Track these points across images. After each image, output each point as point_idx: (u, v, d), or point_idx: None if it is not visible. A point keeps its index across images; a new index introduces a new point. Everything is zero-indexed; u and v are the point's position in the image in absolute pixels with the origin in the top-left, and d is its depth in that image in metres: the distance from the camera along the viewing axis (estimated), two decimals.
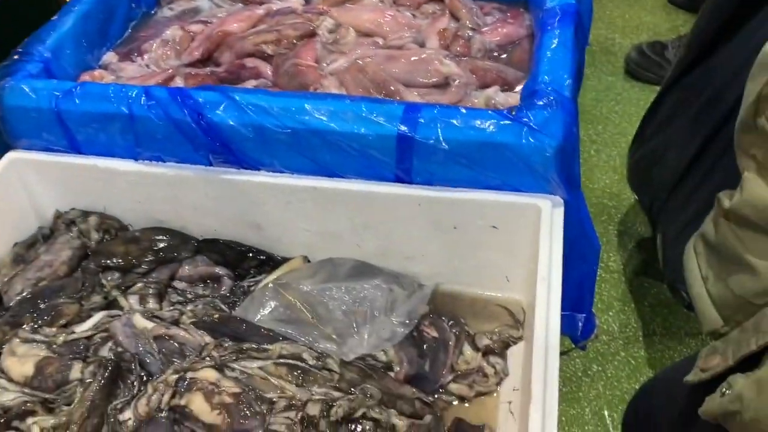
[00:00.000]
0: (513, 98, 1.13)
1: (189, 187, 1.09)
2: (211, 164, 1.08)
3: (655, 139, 1.61)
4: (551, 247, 0.91)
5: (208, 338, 0.98)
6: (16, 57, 1.17)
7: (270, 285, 1.05)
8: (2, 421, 0.89)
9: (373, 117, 0.95)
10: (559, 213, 0.94)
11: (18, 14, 1.52)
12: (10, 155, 1.14)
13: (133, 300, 1.08)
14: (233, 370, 0.95)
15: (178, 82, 1.26)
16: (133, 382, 0.92)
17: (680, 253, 1.50)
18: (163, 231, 1.15)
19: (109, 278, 1.11)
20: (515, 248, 1.01)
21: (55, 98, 1.07)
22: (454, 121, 0.93)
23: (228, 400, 0.90)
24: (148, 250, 1.13)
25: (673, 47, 2.43)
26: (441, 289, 1.13)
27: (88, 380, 0.92)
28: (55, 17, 1.27)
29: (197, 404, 0.90)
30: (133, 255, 1.12)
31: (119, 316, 1.01)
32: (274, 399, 0.92)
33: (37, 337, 0.98)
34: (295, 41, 1.31)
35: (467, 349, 1.03)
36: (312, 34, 1.32)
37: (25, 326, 1.00)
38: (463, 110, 0.95)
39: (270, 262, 1.15)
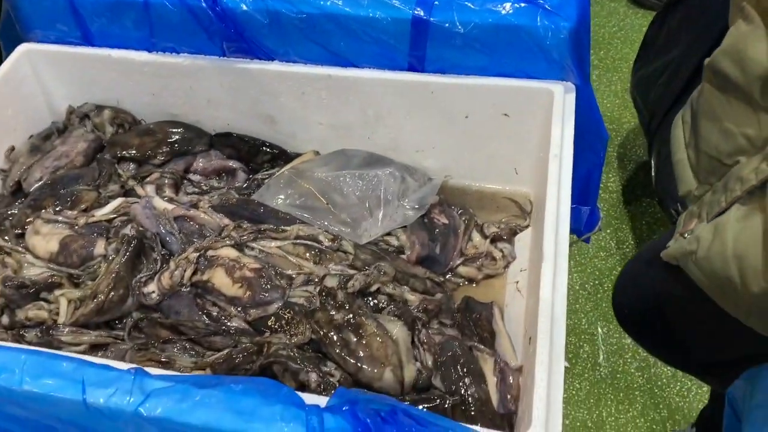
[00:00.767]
0: None
1: (204, 78, 1.10)
2: (225, 55, 1.08)
3: (660, 57, 1.61)
4: (563, 131, 0.93)
5: (226, 220, 1.01)
6: None
7: (285, 173, 1.08)
8: (31, 291, 0.93)
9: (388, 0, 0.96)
10: (571, 98, 0.96)
11: None
12: (23, 47, 1.14)
13: (150, 189, 1.10)
14: (252, 249, 0.98)
15: None
16: (155, 259, 0.95)
17: (671, 171, 1.53)
18: (178, 124, 1.17)
19: (125, 169, 1.13)
20: (526, 137, 1.03)
21: None
22: (470, 4, 0.94)
23: (249, 274, 0.93)
24: (163, 142, 1.14)
25: None
26: (450, 184, 1.15)
27: (111, 256, 0.95)
28: None
29: (219, 278, 0.93)
30: (149, 147, 1.14)
31: (139, 200, 1.04)
32: (293, 275, 0.95)
33: (60, 218, 1.00)
34: None
35: (476, 236, 1.06)
36: None
37: (47, 208, 1.03)
38: None
39: (283, 156, 1.17)
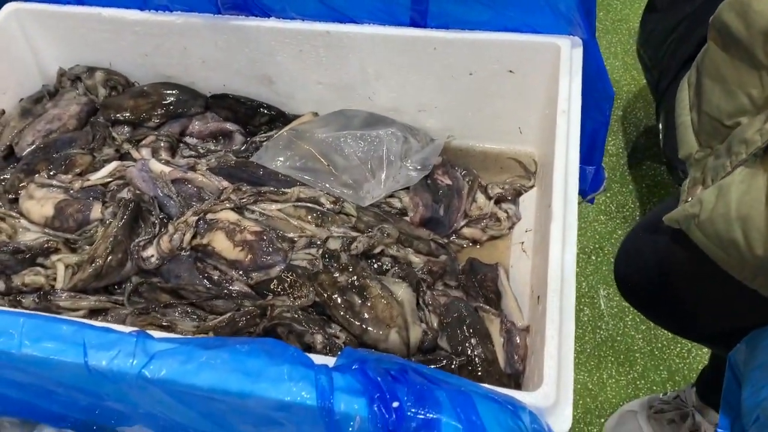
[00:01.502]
0: None
1: (198, 37, 1.06)
2: (220, 12, 1.05)
3: (671, 13, 1.57)
4: (571, 86, 0.90)
5: (225, 183, 0.98)
6: None
7: (284, 134, 1.05)
8: (27, 257, 0.91)
9: None
10: (579, 53, 0.93)
11: None
12: (11, 6, 1.10)
13: (146, 152, 1.07)
14: (252, 212, 0.96)
15: None
16: (153, 222, 0.93)
17: None
18: (172, 86, 1.14)
19: (119, 132, 1.10)
20: (531, 94, 1.01)
21: None
22: None
23: (250, 237, 0.91)
24: (158, 104, 1.12)
25: None
26: (452, 145, 1.13)
27: (109, 220, 0.93)
28: None
29: (219, 242, 0.91)
30: (143, 109, 1.11)
31: (135, 163, 1.01)
32: (295, 238, 0.94)
33: (54, 182, 0.98)
34: None
35: (480, 197, 1.05)
36: None
37: (40, 173, 1.00)
38: None
39: (281, 118, 1.14)
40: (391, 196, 1.01)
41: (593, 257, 1.80)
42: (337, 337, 0.82)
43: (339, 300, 0.85)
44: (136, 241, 0.91)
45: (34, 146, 1.05)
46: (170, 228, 0.92)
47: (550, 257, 0.74)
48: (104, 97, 1.14)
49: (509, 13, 0.94)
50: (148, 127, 1.11)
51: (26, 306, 0.87)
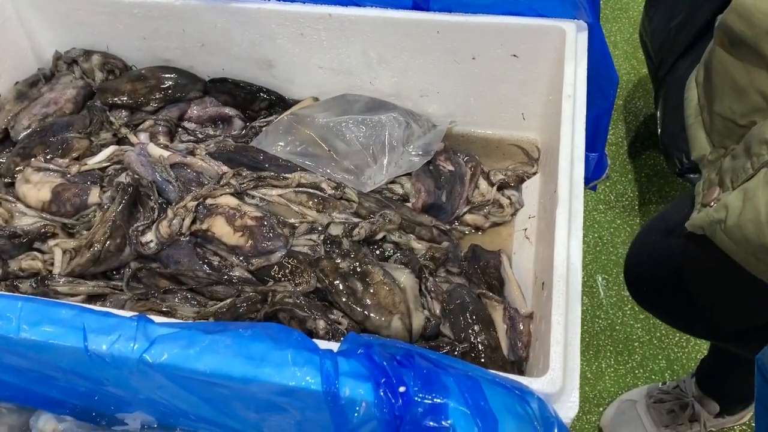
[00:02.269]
0: None
1: (197, 20, 1.05)
2: None
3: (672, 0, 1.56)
4: (576, 71, 0.89)
5: (225, 167, 0.97)
6: None
7: (284, 119, 1.04)
8: (24, 241, 0.89)
9: None
10: (584, 37, 0.92)
11: None
12: None
13: (144, 137, 1.06)
14: (253, 197, 0.95)
15: None
16: (152, 207, 0.92)
17: (678, 120, 1.50)
18: (171, 69, 1.12)
19: (117, 116, 1.09)
20: (535, 79, 1.00)
21: None
22: None
23: (250, 223, 0.90)
24: (156, 88, 1.10)
25: None
26: (454, 130, 1.12)
27: (107, 204, 0.91)
28: None
29: (219, 227, 0.90)
30: (141, 93, 1.09)
31: (133, 147, 1.00)
32: (296, 224, 0.92)
33: (51, 166, 0.96)
34: None
35: (482, 183, 1.04)
36: None
37: (37, 156, 0.98)
38: None
39: (281, 103, 1.13)
40: (393, 182, 1.00)
41: (592, 246, 1.80)
42: (339, 324, 0.81)
43: (341, 286, 0.84)
44: (135, 225, 0.90)
45: (30, 130, 1.04)
46: (169, 213, 0.91)
47: (555, 243, 0.73)
48: (101, 81, 1.12)
49: None
50: (145, 112, 1.09)
51: (23, 291, 0.86)
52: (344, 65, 1.06)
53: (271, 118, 1.11)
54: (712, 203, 0.75)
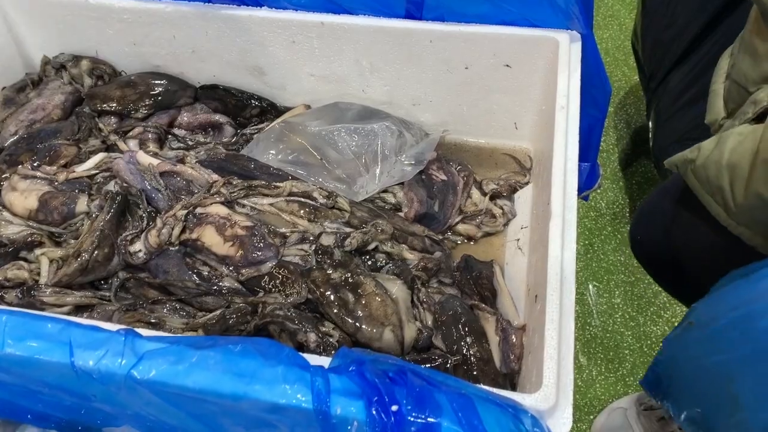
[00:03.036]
0: None
1: (188, 26, 1.04)
2: (211, 0, 1.02)
3: (665, 10, 1.57)
4: (569, 81, 0.89)
5: (215, 176, 0.96)
6: None
7: (275, 127, 1.03)
8: (9, 251, 0.88)
9: None
10: (577, 48, 0.92)
11: None
12: None
13: (133, 144, 1.04)
14: (243, 206, 0.94)
15: None
16: (141, 216, 0.91)
17: (670, 133, 1.51)
18: (161, 76, 1.11)
19: (106, 123, 1.07)
20: (527, 89, 0.99)
21: None
22: None
23: (241, 232, 0.89)
24: (145, 94, 1.09)
25: None
26: (447, 140, 1.12)
27: (95, 213, 0.90)
28: None
29: (209, 237, 0.89)
30: (130, 99, 1.08)
31: (122, 155, 0.98)
32: (287, 233, 0.91)
33: (38, 174, 0.95)
34: None
35: (475, 193, 1.03)
36: None
37: (24, 164, 0.97)
38: None
39: (272, 110, 1.12)
40: (385, 191, 0.99)
41: (583, 254, 1.80)
42: (331, 336, 0.80)
43: (332, 297, 0.83)
44: (123, 235, 0.89)
45: (17, 136, 1.02)
46: (158, 222, 0.90)
47: (549, 255, 0.73)
48: (90, 87, 1.11)
49: (507, 6, 0.93)
50: (135, 118, 1.08)
51: (9, 301, 0.85)
52: (336, 73, 1.05)
53: (262, 125, 1.10)
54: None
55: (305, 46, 1.02)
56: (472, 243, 1.01)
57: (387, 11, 0.98)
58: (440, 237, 0.98)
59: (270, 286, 0.86)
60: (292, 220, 0.93)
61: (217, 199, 0.92)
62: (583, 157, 1.07)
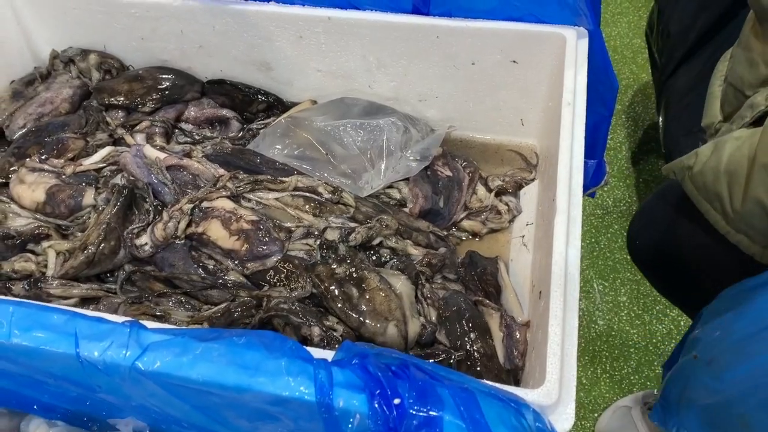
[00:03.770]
0: None
1: (195, 21, 1.04)
2: None
3: (675, 1, 1.56)
4: (576, 78, 0.89)
5: (221, 170, 0.96)
6: None
7: (282, 122, 1.03)
8: (17, 243, 0.88)
9: None
10: (585, 44, 0.91)
11: None
12: None
13: (140, 138, 1.05)
14: (249, 200, 0.94)
15: None
16: (147, 210, 0.91)
17: (681, 127, 1.50)
18: (168, 70, 1.11)
19: (113, 116, 1.08)
20: (534, 86, 0.99)
21: None
22: None
23: (246, 226, 0.89)
24: (153, 89, 1.09)
25: None
26: (452, 136, 1.12)
27: (102, 206, 0.91)
28: None
29: (215, 231, 0.89)
30: (138, 93, 1.08)
31: (129, 148, 0.99)
32: (292, 228, 0.92)
33: (46, 167, 0.95)
34: None
35: (480, 189, 1.03)
36: None
37: (32, 157, 0.98)
38: None
39: (279, 105, 1.12)
40: (390, 186, 0.99)
41: (589, 251, 1.79)
42: (335, 330, 0.81)
43: (336, 292, 0.83)
44: (130, 228, 0.89)
45: (25, 129, 1.03)
46: (164, 215, 0.90)
47: (553, 252, 0.73)
48: (98, 81, 1.11)
49: (514, 1, 0.92)
50: (142, 112, 1.08)
51: (16, 293, 0.85)
52: (343, 69, 1.05)
53: (268, 120, 1.10)
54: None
55: (312, 42, 1.02)
56: (477, 239, 1.01)
57: (394, 6, 0.98)
58: (445, 233, 0.98)
59: (275, 280, 0.86)
60: (297, 215, 0.93)
61: (223, 193, 0.93)
62: (589, 154, 1.07)
